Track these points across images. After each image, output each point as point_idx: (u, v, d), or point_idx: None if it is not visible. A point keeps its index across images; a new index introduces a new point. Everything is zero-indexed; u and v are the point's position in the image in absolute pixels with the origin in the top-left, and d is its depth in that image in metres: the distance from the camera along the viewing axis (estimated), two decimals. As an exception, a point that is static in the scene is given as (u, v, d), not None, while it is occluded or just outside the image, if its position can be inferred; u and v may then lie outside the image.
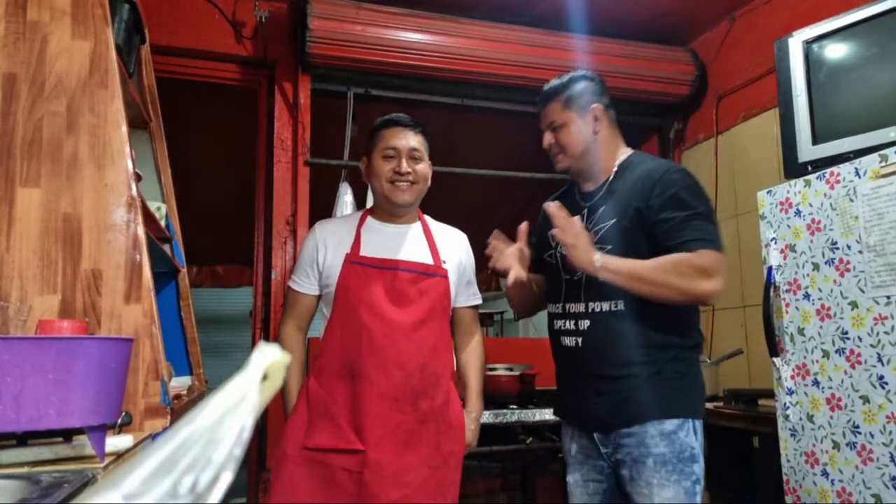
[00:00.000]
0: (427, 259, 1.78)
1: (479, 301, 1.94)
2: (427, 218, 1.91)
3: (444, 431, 1.71)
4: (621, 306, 1.58)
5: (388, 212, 1.83)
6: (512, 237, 1.77)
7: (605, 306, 1.59)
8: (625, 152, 1.72)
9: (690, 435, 1.54)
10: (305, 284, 1.79)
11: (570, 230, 1.52)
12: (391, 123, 1.80)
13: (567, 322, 1.67)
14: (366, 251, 1.75)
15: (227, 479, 0.30)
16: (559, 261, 1.71)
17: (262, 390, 0.37)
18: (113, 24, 1.52)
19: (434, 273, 1.76)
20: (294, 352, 1.77)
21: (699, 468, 1.55)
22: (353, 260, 1.73)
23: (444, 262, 1.80)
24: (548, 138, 1.72)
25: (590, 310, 1.62)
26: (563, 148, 1.69)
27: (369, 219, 1.85)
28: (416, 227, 1.86)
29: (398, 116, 1.82)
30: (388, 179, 1.75)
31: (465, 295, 1.89)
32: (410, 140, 1.77)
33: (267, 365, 0.38)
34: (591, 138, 1.68)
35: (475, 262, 1.93)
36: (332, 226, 1.84)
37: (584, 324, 1.62)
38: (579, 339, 1.63)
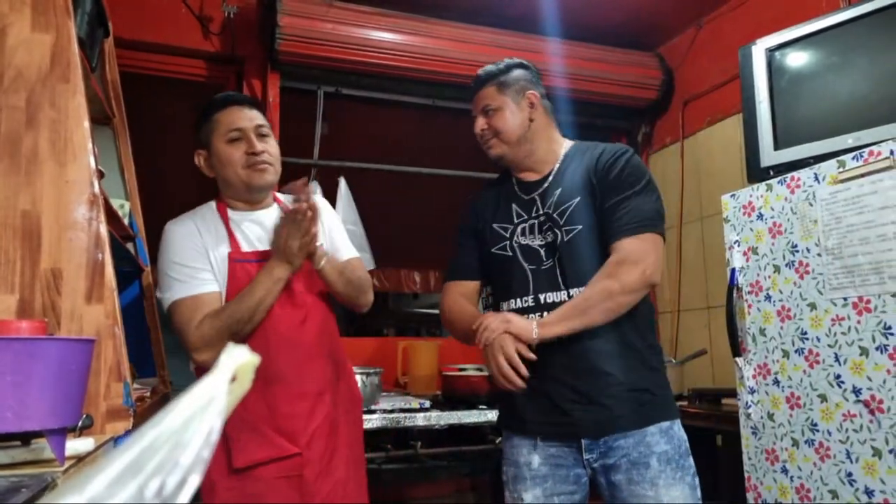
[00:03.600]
0: None
1: (353, 254, 1.76)
2: (280, 196, 1.76)
3: (349, 409, 1.67)
4: None
5: (247, 200, 1.66)
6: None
7: None
8: (567, 143, 1.70)
9: (681, 429, 1.53)
10: (205, 283, 1.56)
11: (488, 333, 1.46)
12: (227, 103, 1.63)
13: (544, 314, 1.52)
14: (245, 247, 1.61)
15: (194, 482, 0.29)
16: (517, 251, 1.62)
17: (231, 392, 0.36)
18: (75, 16, 1.47)
19: None
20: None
21: (692, 460, 1.52)
22: (237, 258, 1.58)
23: None
24: (480, 123, 1.65)
25: (572, 296, 1.51)
26: (497, 133, 1.63)
27: (230, 211, 1.66)
28: (275, 209, 1.71)
29: (230, 94, 1.69)
30: (243, 165, 1.58)
31: (345, 250, 1.73)
32: (253, 117, 1.61)
33: (235, 367, 0.37)
34: (527, 125, 1.63)
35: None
36: (196, 221, 1.64)
37: None
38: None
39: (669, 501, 1.43)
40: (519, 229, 1.64)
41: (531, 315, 1.55)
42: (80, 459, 0.99)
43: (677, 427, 1.53)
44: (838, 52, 1.98)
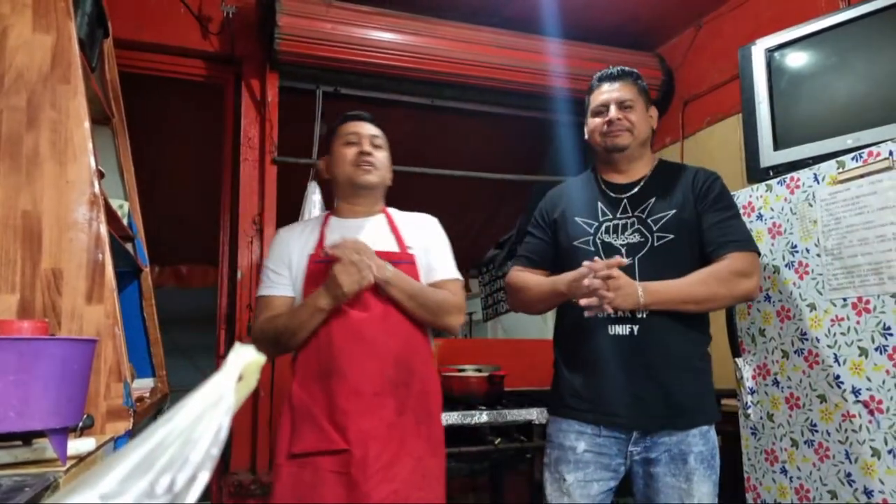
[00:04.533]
0: (392, 247, 1.73)
1: (456, 276, 1.80)
2: (391, 210, 1.87)
3: (423, 420, 1.66)
4: None
5: (352, 202, 1.80)
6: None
7: None
8: (654, 157, 1.83)
9: (714, 432, 1.65)
10: (279, 286, 1.72)
11: (614, 283, 1.52)
12: (351, 118, 1.82)
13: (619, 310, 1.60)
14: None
15: (204, 478, 0.29)
16: (600, 247, 1.69)
17: (238, 391, 0.36)
18: (75, 17, 1.47)
19: (399, 260, 1.71)
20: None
21: (719, 461, 1.64)
22: (317, 259, 1.70)
23: (410, 248, 1.75)
24: (616, 112, 1.73)
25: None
26: (631, 126, 1.73)
27: (332, 218, 1.82)
28: (379, 218, 1.82)
29: (357, 112, 1.84)
30: (353, 163, 1.75)
31: (441, 271, 1.77)
32: (371, 129, 1.80)
33: (243, 366, 0.37)
34: (650, 132, 1.79)
35: (449, 244, 1.85)
36: (296, 230, 1.81)
37: (643, 312, 1.59)
38: (635, 328, 1.60)
39: (699, 495, 1.56)
40: (604, 227, 1.71)
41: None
42: (81, 459, 0.99)
43: (713, 431, 1.65)
44: (838, 52, 1.99)
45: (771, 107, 2.08)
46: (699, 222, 1.65)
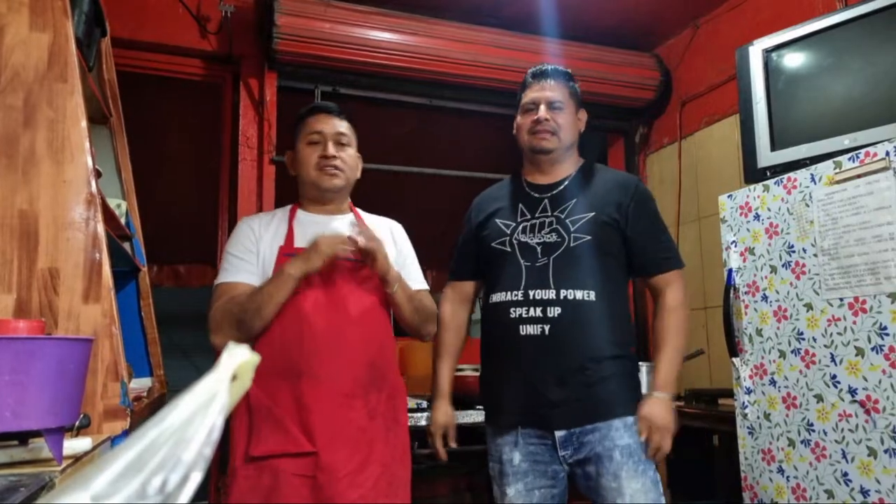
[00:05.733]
0: None
1: (423, 286, 1.82)
2: (358, 210, 1.84)
3: (391, 427, 1.64)
4: (593, 296, 1.59)
5: (317, 201, 1.76)
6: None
7: (579, 294, 1.59)
8: (580, 159, 1.82)
9: None
10: (243, 273, 1.63)
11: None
12: (315, 111, 1.75)
13: (531, 309, 1.61)
14: (299, 242, 1.66)
15: (196, 479, 0.29)
16: (516, 247, 1.68)
17: (232, 390, 0.36)
18: (73, 15, 1.47)
19: None
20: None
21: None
22: (288, 252, 1.64)
23: None
24: (545, 112, 1.71)
25: (562, 297, 1.59)
26: (558, 129, 1.72)
27: (299, 211, 1.77)
28: (349, 217, 1.78)
29: (322, 103, 1.79)
30: (316, 166, 1.69)
31: (415, 281, 1.79)
32: (336, 125, 1.72)
33: (236, 365, 0.37)
34: (576, 136, 1.78)
35: (423, 252, 1.85)
36: (262, 220, 1.75)
37: (555, 311, 1.59)
38: (546, 328, 1.58)
39: (630, 492, 1.52)
40: (521, 227, 1.70)
41: (517, 309, 1.63)
42: (77, 459, 0.99)
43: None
44: (835, 53, 1.99)
45: (768, 107, 2.08)
46: (622, 229, 1.66)
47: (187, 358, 5.12)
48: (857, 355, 1.66)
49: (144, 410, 1.65)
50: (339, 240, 1.56)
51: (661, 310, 1.67)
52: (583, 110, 1.81)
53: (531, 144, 1.74)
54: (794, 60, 2.09)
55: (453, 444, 1.76)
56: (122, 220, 2.01)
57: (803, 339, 1.81)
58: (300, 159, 1.73)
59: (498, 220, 1.75)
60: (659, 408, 1.57)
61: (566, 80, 1.78)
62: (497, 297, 1.69)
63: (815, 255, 1.79)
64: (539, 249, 1.65)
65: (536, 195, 1.74)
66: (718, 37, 3.15)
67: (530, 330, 1.60)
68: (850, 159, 1.71)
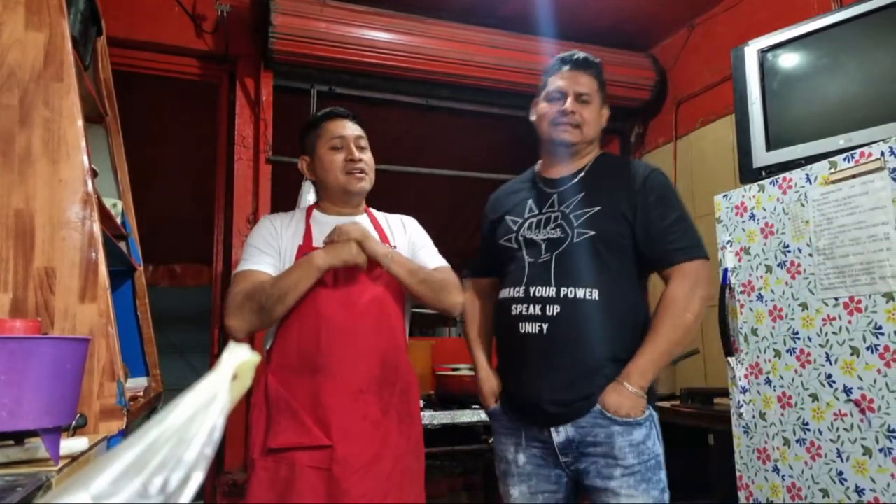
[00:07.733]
0: None
1: (445, 263, 1.83)
2: (373, 210, 1.89)
3: (404, 419, 1.67)
4: (595, 295, 1.52)
5: (341, 203, 1.80)
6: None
7: (580, 293, 1.52)
8: (599, 151, 1.76)
9: (656, 443, 1.53)
10: (264, 264, 1.66)
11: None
12: (334, 116, 1.79)
13: (531, 307, 1.56)
14: (318, 242, 1.70)
15: (198, 478, 0.29)
16: (522, 244, 1.65)
17: (232, 390, 0.36)
18: (69, 15, 1.47)
19: None
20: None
21: (665, 475, 1.53)
22: (306, 250, 1.67)
23: (395, 247, 1.77)
24: (572, 104, 1.64)
25: (562, 295, 1.53)
26: (584, 123, 1.65)
27: (315, 212, 1.81)
28: (364, 217, 1.83)
29: (338, 109, 1.82)
30: (343, 170, 1.73)
31: (431, 262, 1.79)
32: (355, 129, 1.78)
33: (237, 365, 0.37)
34: (599, 132, 1.72)
35: (432, 242, 1.87)
36: (284, 219, 1.79)
37: (554, 309, 1.53)
38: (545, 326, 1.53)
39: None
40: (528, 223, 1.67)
41: (518, 306, 1.58)
42: (74, 459, 0.99)
43: (653, 440, 1.53)
44: (830, 53, 2.00)
45: (763, 107, 2.09)
46: (634, 221, 1.57)
47: (183, 357, 5.12)
48: (852, 355, 1.67)
49: (140, 410, 1.65)
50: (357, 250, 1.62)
51: (659, 301, 1.56)
52: (607, 105, 1.74)
53: (552, 136, 1.67)
54: (789, 61, 2.09)
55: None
56: (118, 220, 2.01)
57: (798, 338, 1.82)
58: (325, 165, 1.75)
59: (508, 217, 1.72)
60: (628, 401, 1.48)
61: (597, 71, 1.69)
62: (502, 294, 1.67)
63: (811, 255, 1.79)
64: (543, 246, 1.60)
65: (548, 190, 1.69)
66: (714, 37, 3.16)
67: (529, 328, 1.56)
68: (845, 159, 1.71)
